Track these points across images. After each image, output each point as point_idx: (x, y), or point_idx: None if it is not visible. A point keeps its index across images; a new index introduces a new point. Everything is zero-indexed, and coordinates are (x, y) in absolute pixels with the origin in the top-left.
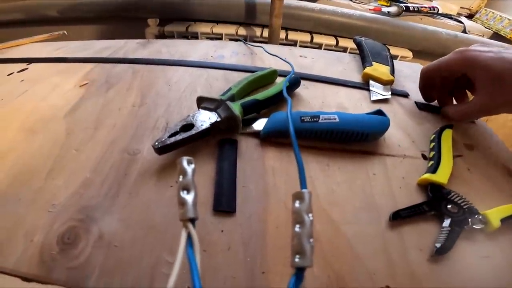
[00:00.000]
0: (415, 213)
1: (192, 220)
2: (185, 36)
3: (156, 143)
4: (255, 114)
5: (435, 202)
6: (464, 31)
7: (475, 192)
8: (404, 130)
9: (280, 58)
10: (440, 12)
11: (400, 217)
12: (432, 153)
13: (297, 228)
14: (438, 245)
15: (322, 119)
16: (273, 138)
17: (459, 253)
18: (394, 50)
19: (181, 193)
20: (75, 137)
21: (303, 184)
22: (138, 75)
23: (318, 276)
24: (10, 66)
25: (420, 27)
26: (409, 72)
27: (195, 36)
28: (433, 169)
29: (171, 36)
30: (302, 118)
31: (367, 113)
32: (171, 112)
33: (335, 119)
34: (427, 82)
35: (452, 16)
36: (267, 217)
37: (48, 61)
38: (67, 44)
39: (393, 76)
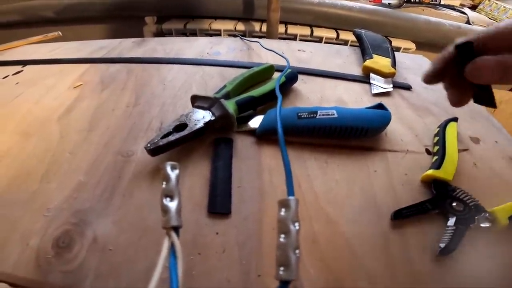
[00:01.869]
0: (418, 212)
1: (176, 229)
2: (184, 33)
3: (149, 145)
4: (252, 111)
5: (439, 200)
6: (468, 22)
7: (482, 188)
8: (406, 124)
9: (276, 53)
10: (442, 3)
11: (402, 216)
12: (436, 147)
13: (282, 239)
14: (442, 245)
15: (320, 115)
16: (269, 136)
17: (464, 253)
18: (396, 42)
19: (164, 200)
20: (69, 140)
21: (290, 190)
22: (132, 75)
23: (315, 278)
24: (5, 69)
25: (422, 18)
26: (411, 64)
27: (193, 33)
28: (437, 165)
29: (169, 33)
30: (299, 114)
31: (367, 107)
32: (166, 112)
33: (333, 114)
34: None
35: (455, 7)
36: (263, 218)
37: (43, 63)
38: (62, 45)
39: (395, 68)
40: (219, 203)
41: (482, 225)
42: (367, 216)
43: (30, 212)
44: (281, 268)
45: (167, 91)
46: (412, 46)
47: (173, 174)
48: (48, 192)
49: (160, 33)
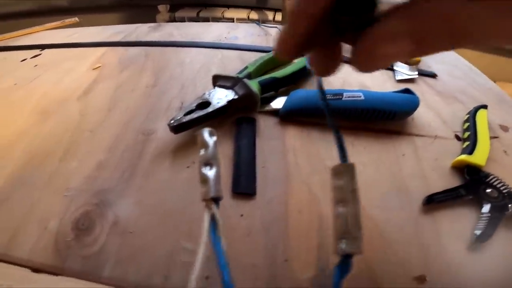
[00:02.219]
0: (450, 197)
1: (216, 200)
2: (196, 21)
3: (172, 121)
4: (273, 93)
5: (472, 186)
6: None
7: None
8: (434, 110)
9: None
10: None
11: (434, 202)
12: (467, 133)
13: (340, 208)
14: (477, 232)
15: (345, 97)
16: (293, 117)
17: (498, 241)
18: None
19: (203, 169)
20: (89, 119)
21: (342, 156)
22: (150, 57)
23: None
24: (24, 53)
25: None
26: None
27: (206, 21)
28: (470, 150)
29: (182, 21)
30: None
31: (393, 92)
32: (185, 93)
33: (360, 97)
34: None
35: None
36: (289, 200)
37: (61, 46)
38: (80, 30)
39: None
40: (243, 183)
41: None
42: (397, 201)
43: (49, 193)
44: (343, 241)
45: (186, 73)
46: None
47: (211, 141)
48: (68, 172)
49: (173, 21)
